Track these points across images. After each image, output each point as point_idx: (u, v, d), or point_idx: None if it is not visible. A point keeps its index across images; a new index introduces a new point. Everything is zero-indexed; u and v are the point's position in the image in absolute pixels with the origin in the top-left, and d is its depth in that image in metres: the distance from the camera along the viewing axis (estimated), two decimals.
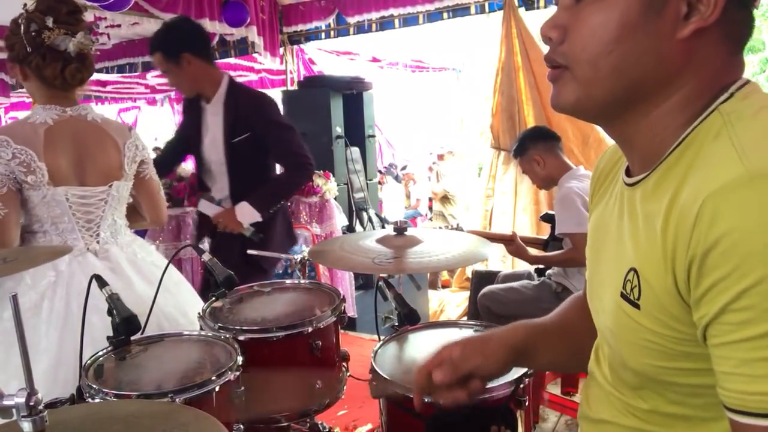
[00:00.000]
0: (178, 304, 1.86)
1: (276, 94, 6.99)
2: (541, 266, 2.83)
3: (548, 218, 2.85)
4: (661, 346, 0.70)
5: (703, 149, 0.67)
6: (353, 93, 4.71)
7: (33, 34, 1.75)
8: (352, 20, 4.66)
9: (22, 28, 1.76)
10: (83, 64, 1.84)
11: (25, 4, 1.79)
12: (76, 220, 1.82)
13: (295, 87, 5.36)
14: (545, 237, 2.99)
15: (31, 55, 1.77)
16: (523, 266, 3.10)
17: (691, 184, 0.64)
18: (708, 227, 0.59)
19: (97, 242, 1.87)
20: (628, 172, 0.81)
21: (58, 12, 1.77)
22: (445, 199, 7.07)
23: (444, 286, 5.50)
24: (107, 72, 6.11)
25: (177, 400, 1.19)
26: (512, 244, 2.74)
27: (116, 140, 1.91)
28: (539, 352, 0.99)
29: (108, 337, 1.41)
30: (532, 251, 2.85)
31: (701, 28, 0.67)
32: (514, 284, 2.79)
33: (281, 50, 5.21)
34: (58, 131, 1.81)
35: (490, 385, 1.22)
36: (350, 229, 4.28)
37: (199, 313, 1.63)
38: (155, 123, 11.90)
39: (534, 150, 2.67)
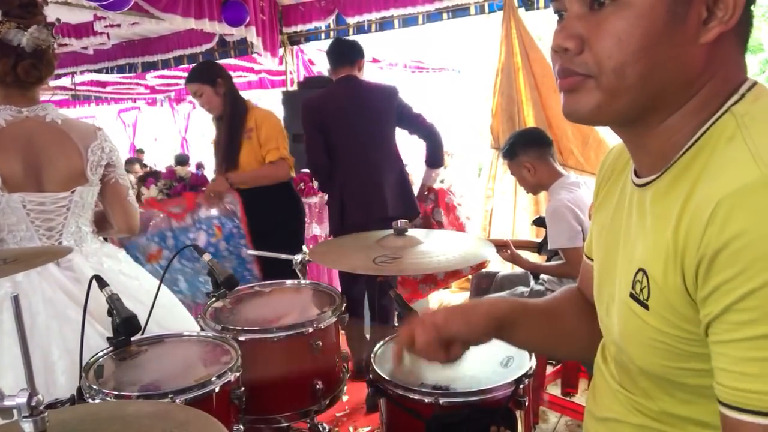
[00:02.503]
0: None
1: (276, 95, 7.01)
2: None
3: (541, 222, 2.84)
4: (670, 346, 0.70)
5: (717, 151, 0.67)
6: None
7: None
8: (351, 21, 4.66)
9: None
10: (40, 60, 1.71)
11: None
12: (35, 228, 1.72)
13: (294, 87, 5.36)
14: (539, 240, 2.99)
15: None
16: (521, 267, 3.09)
17: (706, 186, 0.64)
18: (720, 228, 0.60)
19: None
20: (636, 172, 0.81)
21: (9, 4, 1.65)
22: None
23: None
24: (107, 72, 6.11)
25: (177, 400, 1.19)
26: (506, 251, 2.73)
27: (77, 144, 1.78)
28: (520, 328, 0.99)
29: (108, 338, 1.41)
30: (528, 256, 2.85)
31: (723, 32, 0.67)
32: (506, 294, 2.77)
33: (281, 51, 5.21)
34: (11, 134, 1.69)
35: (489, 385, 1.23)
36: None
37: (199, 313, 1.63)
38: (155, 123, 11.91)
39: (525, 156, 2.63)
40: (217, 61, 3.75)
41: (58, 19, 1.80)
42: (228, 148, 2.99)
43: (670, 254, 0.67)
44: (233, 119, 2.99)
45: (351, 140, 3.01)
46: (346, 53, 3.14)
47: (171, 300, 1.92)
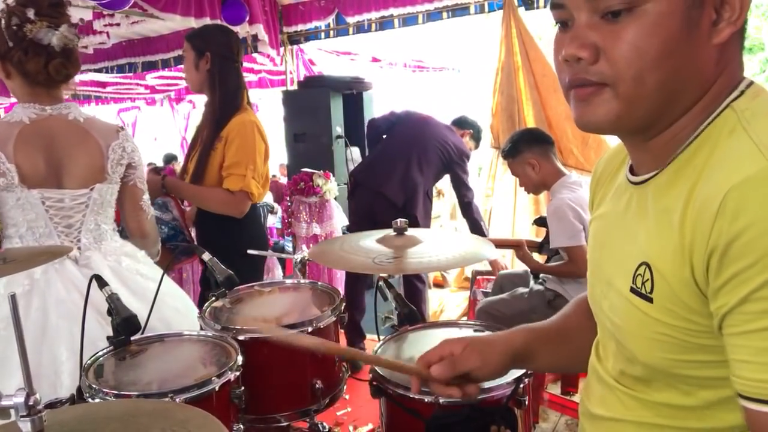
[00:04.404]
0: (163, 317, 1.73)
1: (276, 94, 7.01)
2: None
3: (542, 222, 2.84)
4: (676, 339, 0.70)
5: (719, 145, 0.68)
6: (353, 93, 4.72)
7: (14, 28, 1.67)
8: (351, 20, 4.66)
9: (2, 22, 1.68)
10: (68, 59, 1.75)
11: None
12: (54, 225, 1.73)
13: (294, 87, 5.36)
14: (540, 240, 2.99)
15: (13, 50, 1.69)
16: (521, 266, 3.10)
17: (711, 178, 0.65)
18: (731, 218, 0.60)
19: (78, 248, 1.76)
20: (632, 170, 0.81)
21: (39, 4, 1.68)
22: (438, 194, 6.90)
23: (438, 286, 5.45)
24: (107, 72, 6.10)
25: (177, 399, 1.19)
26: (521, 250, 2.75)
27: (99, 141, 1.80)
28: (538, 356, 1.02)
29: (108, 337, 1.41)
30: (535, 257, 2.86)
31: (733, 32, 0.68)
32: (507, 296, 2.76)
33: (281, 50, 5.21)
34: (34, 131, 1.71)
35: (489, 384, 1.23)
36: (350, 229, 4.29)
37: (199, 313, 1.63)
38: (155, 123, 11.90)
39: (529, 153, 2.63)
40: None
41: (81, 19, 1.82)
42: (203, 146, 2.38)
43: (677, 247, 0.67)
44: (213, 113, 2.37)
45: (405, 137, 3.53)
46: (462, 123, 4.01)
47: (186, 304, 1.90)
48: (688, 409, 0.74)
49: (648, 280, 0.71)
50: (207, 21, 4.20)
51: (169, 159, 8.41)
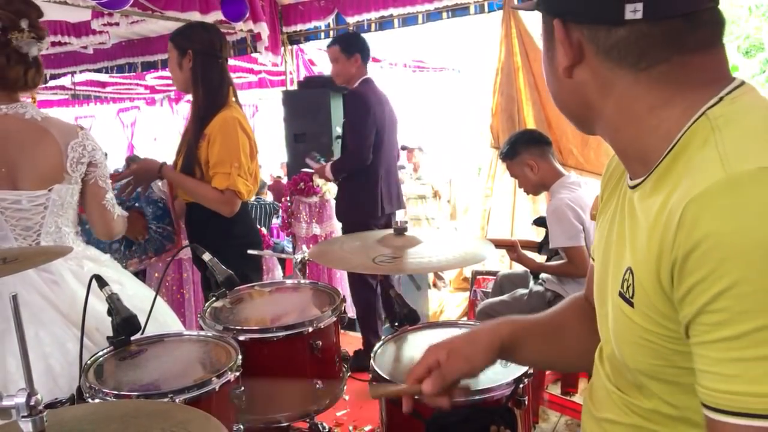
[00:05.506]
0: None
1: (276, 94, 7.01)
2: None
3: (541, 222, 2.84)
4: (655, 344, 0.71)
5: (693, 155, 0.68)
6: None
7: None
8: (351, 20, 4.66)
9: None
10: (38, 69, 1.78)
11: None
12: (10, 227, 1.69)
13: (294, 87, 5.36)
14: (539, 240, 2.99)
15: None
16: (521, 266, 3.10)
17: (679, 190, 0.66)
18: (688, 231, 0.62)
19: None
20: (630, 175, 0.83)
21: (30, 16, 1.71)
22: (421, 198, 6.77)
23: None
24: (107, 72, 6.10)
25: (177, 400, 1.19)
26: (514, 251, 2.75)
27: (58, 140, 1.74)
28: (524, 349, 1.02)
29: (108, 337, 1.41)
30: (533, 256, 2.86)
31: (570, 67, 0.76)
32: (507, 298, 2.76)
33: (281, 50, 5.21)
34: None
35: (489, 385, 1.24)
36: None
37: (199, 313, 1.63)
38: (154, 123, 11.90)
39: (527, 154, 2.63)
40: None
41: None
42: (189, 145, 2.34)
43: (649, 254, 0.69)
44: (197, 111, 2.34)
45: (388, 141, 3.42)
46: (367, 51, 3.54)
47: (158, 308, 1.81)
48: (676, 418, 0.75)
49: (631, 285, 0.73)
50: (210, 18, 4.20)
51: (131, 161, 8.28)
